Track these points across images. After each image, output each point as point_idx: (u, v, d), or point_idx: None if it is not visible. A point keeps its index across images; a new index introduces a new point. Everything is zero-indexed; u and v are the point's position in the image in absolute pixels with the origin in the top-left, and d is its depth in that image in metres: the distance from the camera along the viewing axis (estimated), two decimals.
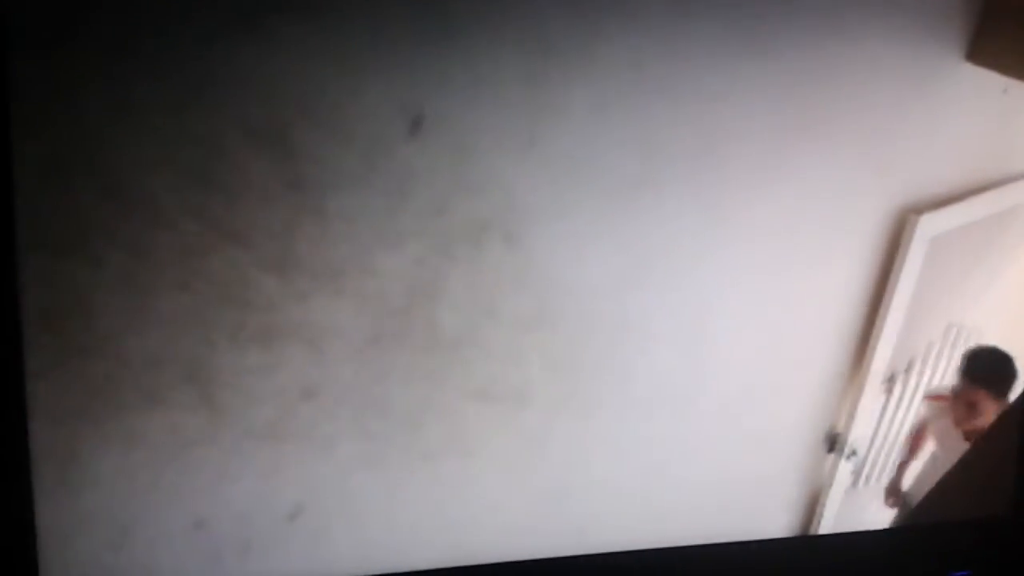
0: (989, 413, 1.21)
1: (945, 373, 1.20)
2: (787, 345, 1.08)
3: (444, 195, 0.88)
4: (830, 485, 1.17)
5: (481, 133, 0.88)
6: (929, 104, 1.08)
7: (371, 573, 0.93)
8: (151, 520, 0.85)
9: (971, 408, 1.21)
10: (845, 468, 1.17)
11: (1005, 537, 1.19)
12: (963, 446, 1.22)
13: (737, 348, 1.05)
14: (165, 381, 0.82)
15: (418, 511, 0.94)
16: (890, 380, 1.17)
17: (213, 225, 0.81)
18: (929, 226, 1.12)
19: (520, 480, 0.98)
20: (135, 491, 0.83)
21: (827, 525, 1.17)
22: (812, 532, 1.17)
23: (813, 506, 1.17)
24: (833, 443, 1.16)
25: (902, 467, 1.22)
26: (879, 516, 1.22)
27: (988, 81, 1.11)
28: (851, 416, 1.15)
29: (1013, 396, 1.22)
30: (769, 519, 1.14)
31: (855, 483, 1.20)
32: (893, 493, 1.23)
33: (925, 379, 1.20)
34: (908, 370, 1.18)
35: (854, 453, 1.17)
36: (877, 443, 1.20)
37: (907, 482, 1.23)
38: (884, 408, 1.19)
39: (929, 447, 1.23)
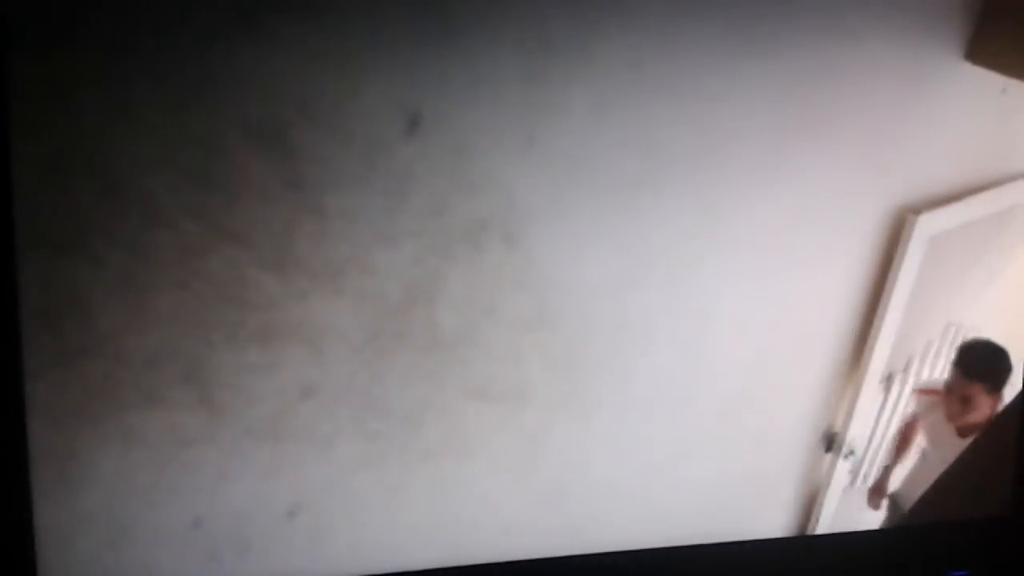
0: (984, 408, 1.20)
1: (944, 372, 1.20)
2: (785, 344, 1.08)
3: (444, 195, 0.88)
4: (828, 484, 1.17)
5: (481, 133, 0.88)
6: (928, 104, 1.08)
7: (370, 572, 0.93)
8: (150, 519, 0.85)
9: (965, 403, 1.20)
10: (843, 467, 1.17)
11: (1004, 537, 1.19)
12: (956, 441, 1.21)
13: (736, 347, 1.05)
14: (164, 380, 0.82)
15: (417, 510, 0.95)
16: (888, 379, 1.17)
17: (212, 225, 0.81)
18: (928, 226, 1.12)
19: (519, 480, 0.98)
20: (134, 490, 0.83)
21: (825, 524, 1.17)
22: (810, 531, 1.17)
23: (811, 505, 1.17)
24: (831, 442, 1.16)
25: (888, 467, 1.21)
26: (876, 515, 1.23)
27: (987, 81, 1.11)
28: (849, 415, 1.15)
29: (1008, 390, 1.21)
30: (767, 518, 1.14)
31: (853, 482, 1.20)
32: (877, 493, 1.22)
33: (923, 379, 1.20)
34: (906, 369, 1.18)
35: (852, 452, 1.17)
36: (875, 442, 1.20)
37: (895, 481, 1.22)
38: (882, 407, 1.19)
39: (918, 443, 1.22)
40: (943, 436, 1.21)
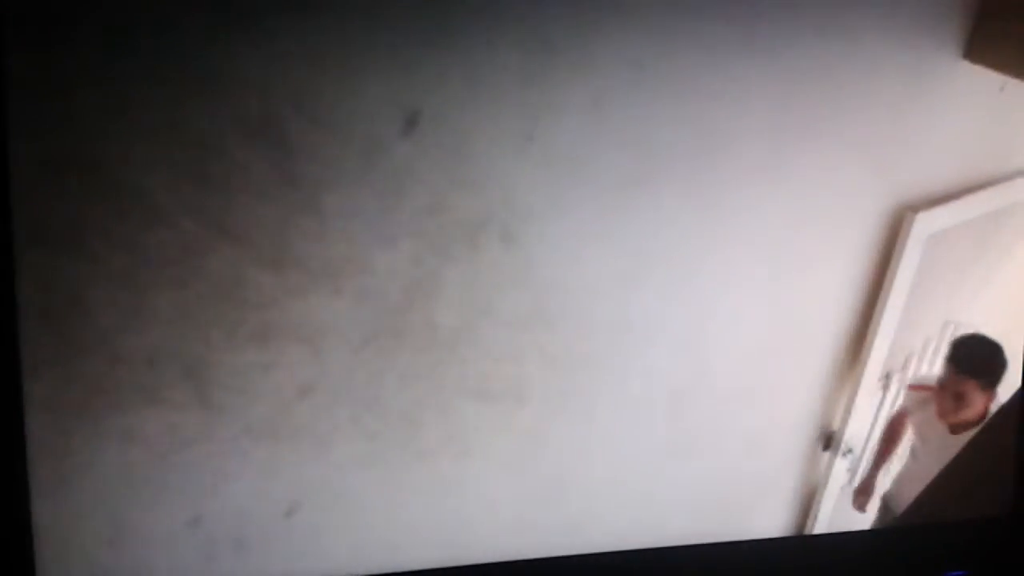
0: (977, 404, 1.19)
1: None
2: (784, 343, 1.08)
3: (442, 194, 0.88)
4: (826, 482, 1.17)
5: (479, 131, 0.88)
6: (926, 102, 1.08)
7: (368, 572, 0.93)
8: (148, 518, 0.85)
9: (958, 399, 1.19)
10: (841, 465, 1.18)
11: (1002, 537, 1.19)
12: (947, 438, 1.20)
13: (734, 346, 1.05)
14: (162, 379, 0.82)
15: (415, 509, 0.95)
16: (886, 378, 1.17)
17: (210, 223, 0.81)
18: (926, 224, 1.12)
19: (517, 478, 0.98)
20: (132, 489, 0.83)
21: (823, 522, 1.18)
22: (808, 529, 1.17)
23: (809, 503, 1.17)
24: (829, 441, 1.16)
25: (875, 468, 1.20)
26: (872, 513, 1.23)
27: (985, 79, 1.11)
28: (847, 414, 1.16)
29: (1001, 387, 1.20)
30: (765, 516, 1.14)
31: (850, 480, 1.20)
32: (864, 494, 1.21)
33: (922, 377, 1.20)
34: (904, 368, 1.18)
35: (850, 451, 1.18)
36: (873, 441, 1.20)
37: (884, 481, 1.21)
38: (880, 406, 1.19)
39: (907, 441, 1.21)
40: (933, 432, 1.20)
